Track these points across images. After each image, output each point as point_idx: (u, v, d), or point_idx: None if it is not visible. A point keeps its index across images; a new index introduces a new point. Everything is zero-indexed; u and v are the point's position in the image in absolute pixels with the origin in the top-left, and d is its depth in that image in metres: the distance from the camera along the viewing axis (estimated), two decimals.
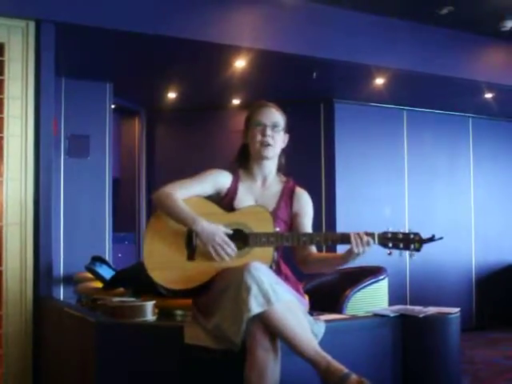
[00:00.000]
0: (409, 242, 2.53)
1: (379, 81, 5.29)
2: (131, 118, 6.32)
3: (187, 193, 2.65)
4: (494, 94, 5.77)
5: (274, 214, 2.68)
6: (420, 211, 6.23)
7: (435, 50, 5.05)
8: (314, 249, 2.73)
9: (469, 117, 6.63)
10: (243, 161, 2.82)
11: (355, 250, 2.48)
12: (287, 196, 2.79)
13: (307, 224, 2.78)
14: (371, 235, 2.52)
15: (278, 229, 2.61)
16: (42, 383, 3.45)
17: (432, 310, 2.91)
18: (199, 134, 6.27)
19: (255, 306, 2.20)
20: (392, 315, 2.80)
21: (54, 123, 3.85)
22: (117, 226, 5.46)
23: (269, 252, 2.55)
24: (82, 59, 4.56)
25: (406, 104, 6.21)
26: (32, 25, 3.64)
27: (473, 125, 6.67)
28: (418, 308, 2.94)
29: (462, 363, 2.99)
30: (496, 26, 4.88)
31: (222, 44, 4.26)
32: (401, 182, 6.24)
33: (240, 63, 4.69)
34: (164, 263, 2.59)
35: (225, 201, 2.72)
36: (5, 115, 3.56)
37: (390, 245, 2.53)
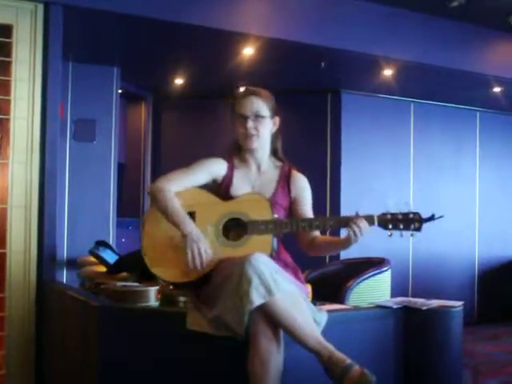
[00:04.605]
0: (409, 222, 2.50)
1: (387, 72, 5.27)
2: (138, 104, 6.31)
3: (182, 184, 2.62)
4: (503, 88, 5.74)
5: (272, 200, 2.65)
6: (424, 204, 6.19)
7: (445, 42, 5.02)
8: (317, 232, 2.72)
9: (476, 110, 6.61)
10: (237, 149, 2.80)
11: (352, 236, 2.47)
12: (284, 181, 2.76)
13: (306, 208, 2.75)
14: (370, 217, 2.51)
15: (276, 215, 2.58)
16: (44, 366, 3.47)
17: (435, 302, 2.90)
18: (205, 121, 6.26)
19: (257, 298, 2.20)
20: (395, 307, 2.79)
21: (61, 106, 3.85)
22: (121, 211, 5.47)
23: (268, 240, 2.53)
24: (89, 43, 4.55)
25: (413, 96, 6.19)
26: (40, 7, 3.62)
27: (480, 118, 6.65)
28: (420, 300, 2.93)
29: (463, 357, 2.98)
30: (506, 20, 4.85)
31: (231, 31, 4.24)
32: (406, 173, 6.24)
33: (248, 51, 4.67)
34: (163, 257, 2.57)
35: (221, 189, 2.70)
36: (12, 97, 3.56)
37: (390, 226, 2.51)
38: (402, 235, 2.53)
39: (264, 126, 2.71)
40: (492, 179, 6.71)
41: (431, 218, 2.51)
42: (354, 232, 2.47)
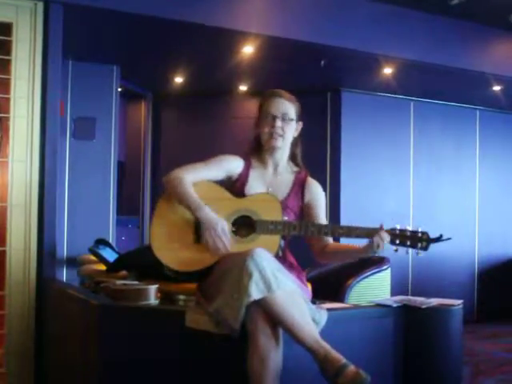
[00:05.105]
0: (416, 240, 2.52)
1: (387, 70, 5.26)
2: (137, 102, 6.31)
3: (198, 177, 2.66)
4: (503, 86, 5.74)
5: (284, 204, 2.68)
6: (424, 202, 6.23)
7: (444, 40, 5.01)
8: (330, 240, 2.74)
9: (476, 109, 6.61)
10: (256, 149, 2.82)
11: (375, 248, 2.47)
12: (298, 186, 2.79)
13: (319, 215, 2.77)
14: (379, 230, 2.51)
15: (286, 218, 2.61)
16: (43, 364, 3.47)
17: (434, 301, 2.91)
18: (205, 120, 6.26)
19: (255, 292, 2.21)
20: (394, 305, 2.80)
21: (60, 105, 3.84)
22: (121, 210, 5.47)
23: (275, 240, 2.56)
24: (89, 41, 4.55)
25: (413, 94, 6.18)
26: (40, 5, 3.62)
27: (480, 117, 6.64)
28: (420, 299, 2.93)
29: (463, 355, 2.99)
30: (506, 18, 4.85)
31: (230, 29, 4.24)
32: (406, 172, 6.23)
33: (248, 49, 4.66)
34: (171, 244, 2.59)
35: (236, 186, 2.73)
36: (11, 96, 3.56)
37: (398, 241, 2.52)
38: (407, 252, 2.54)
39: (290, 129, 2.76)
40: (492, 177, 6.71)
41: (439, 239, 2.51)
42: (379, 245, 2.47)
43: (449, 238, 2.51)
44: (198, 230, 2.58)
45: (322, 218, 2.78)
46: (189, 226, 2.59)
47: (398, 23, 4.82)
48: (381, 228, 2.50)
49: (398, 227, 2.53)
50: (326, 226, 2.63)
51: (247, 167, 2.77)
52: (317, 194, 2.81)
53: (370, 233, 2.50)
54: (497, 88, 5.80)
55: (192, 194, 2.58)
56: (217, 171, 2.71)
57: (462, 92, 6.04)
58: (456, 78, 5.42)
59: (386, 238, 2.48)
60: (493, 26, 5.16)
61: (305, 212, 2.78)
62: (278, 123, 2.71)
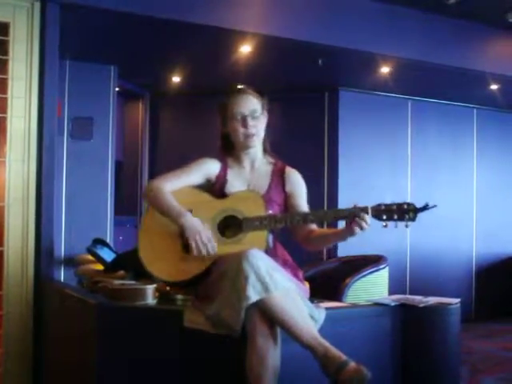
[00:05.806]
0: (403, 212, 2.49)
1: (385, 69, 5.27)
2: (135, 102, 6.29)
3: (177, 184, 2.65)
4: (500, 85, 5.75)
5: (267, 197, 2.67)
6: (422, 201, 6.21)
7: (442, 39, 5.02)
8: (314, 226, 2.72)
9: (473, 108, 6.61)
10: (228, 148, 2.81)
11: (357, 230, 2.46)
12: (278, 177, 2.77)
13: (302, 203, 2.76)
14: (364, 209, 2.49)
15: (270, 211, 2.60)
16: (42, 364, 3.47)
17: (432, 300, 2.91)
18: (203, 119, 6.25)
19: (253, 294, 2.20)
20: (392, 304, 2.80)
21: (58, 105, 3.84)
22: (118, 209, 5.46)
23: (263, 235, 2.55)
24: (87, 41, 4.53)
25: (410, 93, 6.18)
26: (37, 5, 3.61)
27: (477, 116, 6.65)
28: (418, 298, 2.94)
29: (461, 354, 2.99)
30: (503, 17, 4.86)
31: (228, 29, 4.24)
32: (403, 171, 6.24)
33: (245, 48, 4.66)
34: (160, 256, 2.59)
35: (215, 188, 2.72)
36: (8, 96, 3.55)
37: (385, 217, 2.49)
38: (396, 226, 2.51)
39: (260, 124, 2.74)
40: (489, 176, 6.72)
41: (425, 208, 2.51)
42: (361, 226, 2.45)
43: (434, 206, 2.50)
44: (184, 238, 2.55)
45: (304, 205, 2.76)
46: (175, 236, 2.58)
47: (396, 22, 4.82)
48: (361, 208, 2.48)
49: (384, 203, 2.51)
50: (310, 213, 2.61)
51: (224, 168, 2.76)
52: (297, 183, 2.79)
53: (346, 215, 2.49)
54: (494, 87, 5.81)
55: (172, 202, 2.56)
56: (195, 176, 2.70)
57: (459, 91, 6.05)
58: (453, 76, 5.42)
59: (368, 219, 2.46)
60: (490, 25, 5.17)
61: (287, 201, 2.77)
62: (250, 122, 2.69)
